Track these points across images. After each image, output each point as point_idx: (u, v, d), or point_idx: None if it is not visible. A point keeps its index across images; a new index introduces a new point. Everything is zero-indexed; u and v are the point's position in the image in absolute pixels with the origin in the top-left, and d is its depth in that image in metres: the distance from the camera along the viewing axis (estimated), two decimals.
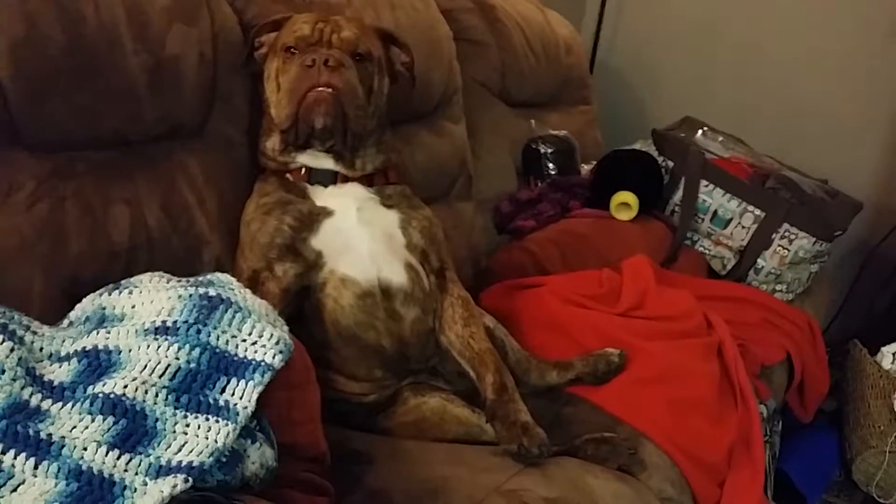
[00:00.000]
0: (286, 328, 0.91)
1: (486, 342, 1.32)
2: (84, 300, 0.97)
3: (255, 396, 0.84)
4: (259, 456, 0.85)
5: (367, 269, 1.26)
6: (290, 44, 1.29)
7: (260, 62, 1.39)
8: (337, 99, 1.24)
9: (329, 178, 1.33)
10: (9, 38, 1.09)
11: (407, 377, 1.34)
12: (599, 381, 1.46)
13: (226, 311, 0.89)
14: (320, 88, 1.23)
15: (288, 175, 1.34)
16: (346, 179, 1.34)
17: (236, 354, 0.86)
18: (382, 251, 1.29)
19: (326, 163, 1.33)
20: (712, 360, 1.52)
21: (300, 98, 1.24)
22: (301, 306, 1.26)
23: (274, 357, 0.87)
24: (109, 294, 0.94)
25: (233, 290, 0.92)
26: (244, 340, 0.88)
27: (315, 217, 1.27)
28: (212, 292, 0.90)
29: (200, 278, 0.94)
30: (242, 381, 0.85)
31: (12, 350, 0.83)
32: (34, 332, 0.90)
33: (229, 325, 0.88)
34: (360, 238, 1.28)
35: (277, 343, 0.88)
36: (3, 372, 0.81)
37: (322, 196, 1.31)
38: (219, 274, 0.96)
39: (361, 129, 1.31)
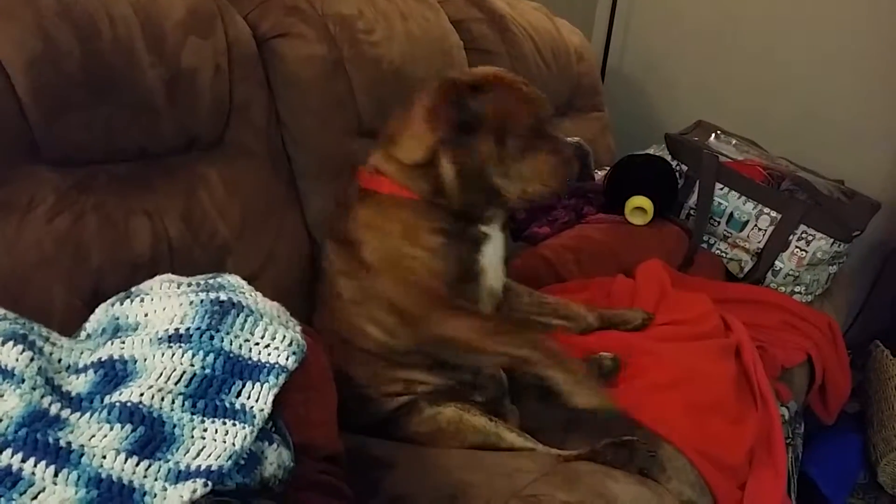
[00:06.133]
0: (299, 328, 0.92)
1: (553, 297, 1.56)
2: (97, 310, 0.98)
3: (270, 398, 0.85)
4: (276, 457, 0.86)
5: (499, 280, 1.40)
6: (532, 127, 1.31)
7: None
8: None
9: None
10: (26, 54, 1.10)
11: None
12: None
13: (237, 315, 0.89)
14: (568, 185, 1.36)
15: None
16: None
17: (250, 358, 0.87)
18: (501, 264, 1.42)
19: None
20: (728, 361, 1.50)
21: (555, 189, 1.34)
22: None
23: (287, 359, 0.88)
24: (122, 303, 0.95)
25: (244, 293, 0.93)
26: (257, 344, 0.88)
27: (480, 242, 1.35)
28: (223, 297, 0.91)
29: (211, 281, 0.95)
30: (257, 384, 0.86)
31: (32, 360, 0.84)
32: (53, 344, 0.91)
33: (241, 329, 0.89)
34: (499, 256, 1.39)
35: (290, 344, 0.89)
36: (24, 381, 0.81)
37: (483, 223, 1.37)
38: (228, 275, 0.97)
39: None
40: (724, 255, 2.17)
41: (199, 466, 0.78)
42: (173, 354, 0.86)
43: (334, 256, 1.37)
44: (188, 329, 0.88)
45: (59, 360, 0.89)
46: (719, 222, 2.15)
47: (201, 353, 0.86)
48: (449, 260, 1.29)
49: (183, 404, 0.83)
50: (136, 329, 0.91)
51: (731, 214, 2.13)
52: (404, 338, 1.29)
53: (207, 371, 0.85)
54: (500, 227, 1.40)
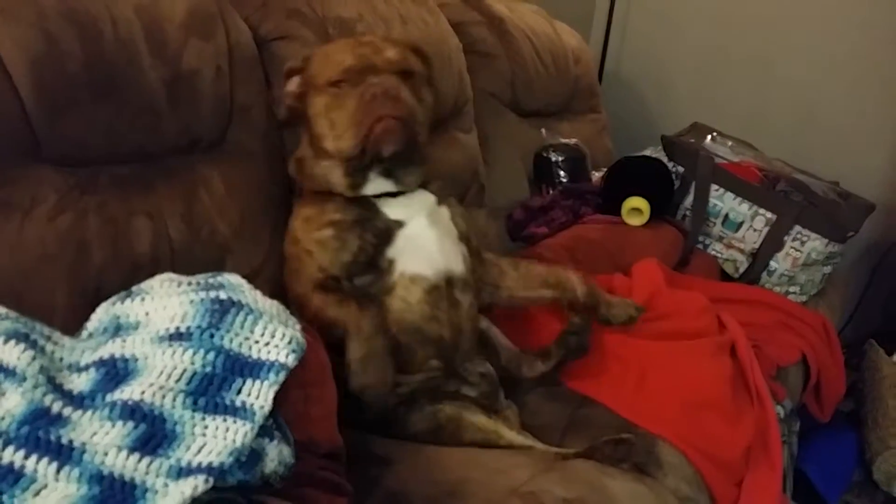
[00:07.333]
0: (298, 326, 0.93)
1: (543, 265, 1.49)
2: (98, 309, 0.98)
3: (270, 396, 0.86)
4: (277, 454, 0.86)
5: (436, 264, 1.33)
6: (337, 77, 1.27)
7: (292, 103, 1.38)
8: (404, 126, 1.26)
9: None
10: (28, 54, 1.11)
11: (451, 372, 1.37)
12: (577, 353, 1.46)
13: (237, 313, 0.90)
14: (386, 120, 1.25)
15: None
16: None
17: (250, 356, 0.88)
18: (449, 245, 1.36)
19: (388, 187, 1.34)
20: (723, 359, 1.51)
21: (367, 132, 1.25)
22: None
23: (287, 356, 0.88)
24: (122, 302, 0.95)
25: (243, 291, 0.93)
26: (257, 342, 0.89)
27: (391, 231, 1.31)
28: (223, 295, 0.91)
29: (211, 280, 0.95)
30: (258, 382, 0.86)
31: (34, 358, 0.84)
32: (55, 343, 0.91)
33: (241, 327, 0.89)
34: (431, 239, 1.34)
35: (290, 342, 0.89)
36: (25, 379, 0.81)
37: (393, 208, 1.33)
38: (227, 274, 0.97)
39: (421, 145, 1.35)
40: (719, 255, 2.18)
41: (201, 463, 0.79)
42: (174, 353, 0.86)
43: None
44: (189, 327, 0.88)
45: (61, 359, 0.89)
46: (715, 223, 2.16)
47: (202, 351, 0.86)
48: (339, 251, 1.29)
49: (184, 402, 0.83)
50: (136, 328, 0.92)
51: (727, 215, 2.14)
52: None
53: (208, 369, 0.86)
54: (426, 212, 1.36)
